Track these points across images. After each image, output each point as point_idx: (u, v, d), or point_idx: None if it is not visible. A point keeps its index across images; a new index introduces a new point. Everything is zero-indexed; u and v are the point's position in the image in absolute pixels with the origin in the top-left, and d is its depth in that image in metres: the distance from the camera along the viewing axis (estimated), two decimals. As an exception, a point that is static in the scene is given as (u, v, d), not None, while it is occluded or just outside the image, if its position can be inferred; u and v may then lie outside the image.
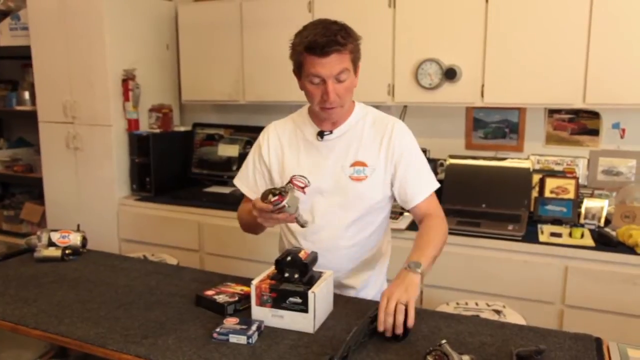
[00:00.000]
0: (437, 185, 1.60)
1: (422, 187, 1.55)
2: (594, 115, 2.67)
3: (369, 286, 1.66)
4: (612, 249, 2.17)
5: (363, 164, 1.54)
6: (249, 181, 1.67)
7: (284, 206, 1.33)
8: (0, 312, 1.44)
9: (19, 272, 1.74)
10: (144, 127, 3.23)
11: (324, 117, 1.53)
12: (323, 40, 1.38)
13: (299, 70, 1.48)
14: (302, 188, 1.56)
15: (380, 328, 1.25)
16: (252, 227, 1.63)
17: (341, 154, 1.55)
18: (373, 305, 1.48)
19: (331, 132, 1.56)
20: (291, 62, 1.50)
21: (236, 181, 1.71)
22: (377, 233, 1.63)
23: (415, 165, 1.56)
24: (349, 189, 1.54)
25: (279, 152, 1.63)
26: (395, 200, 1.61)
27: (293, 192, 1.37)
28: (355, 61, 1.48)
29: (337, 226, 1.57)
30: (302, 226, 1.45)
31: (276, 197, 1.33)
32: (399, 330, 1.25)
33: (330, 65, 1.40)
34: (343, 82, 1.44)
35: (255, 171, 1.67)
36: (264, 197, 1.35)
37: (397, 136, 1.55)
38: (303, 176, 1.57)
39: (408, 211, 1.62)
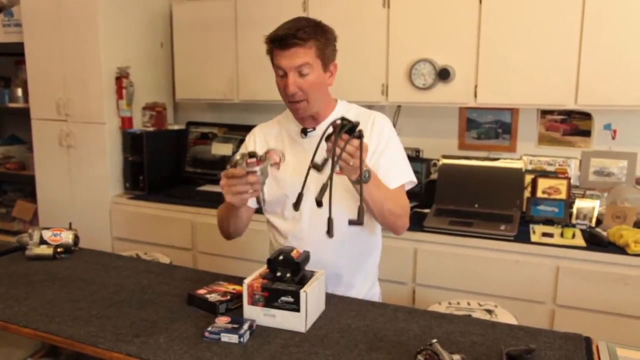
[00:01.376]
0: (411, 179, 1.56)
1: (391, 177, 1.52)
2: (586, 116, 2.69)
3: (361, 283, 1.66)
4: (603, 249, 2.19)
5: None
6: None
7: (256, 171, 1.31)
8: (-9, 311, 1.43)
9: (10, 270, 1.73)
10: (138, 125, 3.22)
11: (292, 110, 1.55)
12: (283, 33, 1.44)
13: (273, 64, 1.52)
14: (277, 163, 1.51)
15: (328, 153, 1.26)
16: (226, 226, 1.62)
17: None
18: (365, 305, 1.49)
19: (314, 128, 1.58)
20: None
21: None
22: (366, 229, 1.63)
23: (389, 155, 1.54)
24: (334, 182, 1.53)
25: None
26: None
27: (269, 162, 1.36)
28: (323, 58, 1.49)
29: (325, 222, 1.56)
30: (262, 202, 1.41)
31: (253, 159, 1.31)
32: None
33: (291, 58, 1.44)
34: (305, 76, 1.46)
35: None
36: (235, 163, 1.33)
37: (377, 127, 1.56)
38: (281, 151, 1.52)
39: None
